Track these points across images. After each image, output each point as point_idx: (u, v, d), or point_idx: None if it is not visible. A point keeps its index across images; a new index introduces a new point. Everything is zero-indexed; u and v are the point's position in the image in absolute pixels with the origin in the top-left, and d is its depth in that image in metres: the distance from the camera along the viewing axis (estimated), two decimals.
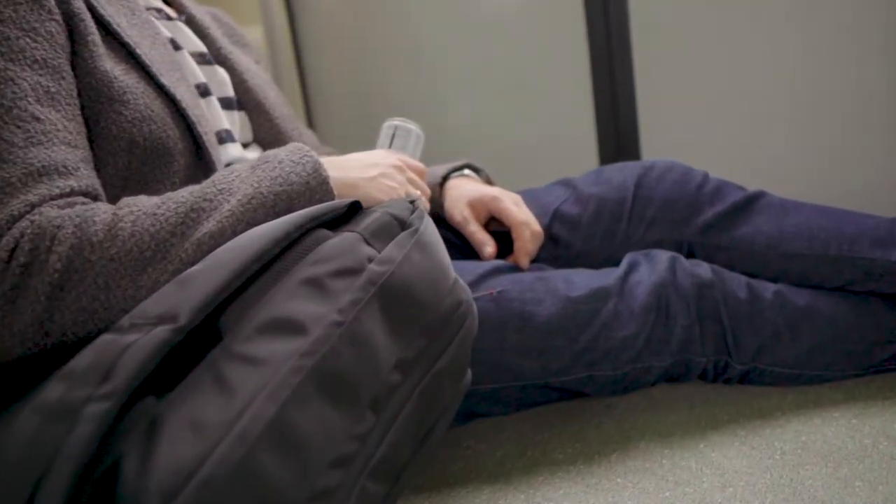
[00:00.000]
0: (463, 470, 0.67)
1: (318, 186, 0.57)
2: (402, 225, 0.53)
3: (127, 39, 0.63)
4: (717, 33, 1.15)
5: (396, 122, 0.77)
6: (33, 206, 0.51)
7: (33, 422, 0.38)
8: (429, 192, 0.71)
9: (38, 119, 0.54)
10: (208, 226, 0.52)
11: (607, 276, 0.71)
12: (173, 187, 0.62)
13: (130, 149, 0.60)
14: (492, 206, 0.79)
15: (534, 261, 0.79)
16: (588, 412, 0.73)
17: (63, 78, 0.57)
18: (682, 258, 0.74)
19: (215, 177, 0.56)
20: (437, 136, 1.37)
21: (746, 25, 1.12)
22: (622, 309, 0.69)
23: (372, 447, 0.46)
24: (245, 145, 0.80)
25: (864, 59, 1.05)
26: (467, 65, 1.37)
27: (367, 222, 0.51)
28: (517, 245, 0.76)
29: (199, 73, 0.73)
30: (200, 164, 0.66)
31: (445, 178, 0.85)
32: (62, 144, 0.55)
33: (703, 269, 0.73)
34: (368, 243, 0.50)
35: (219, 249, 0.48)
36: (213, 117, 0.72)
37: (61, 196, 0.53)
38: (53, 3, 0.58)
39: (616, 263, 0.76)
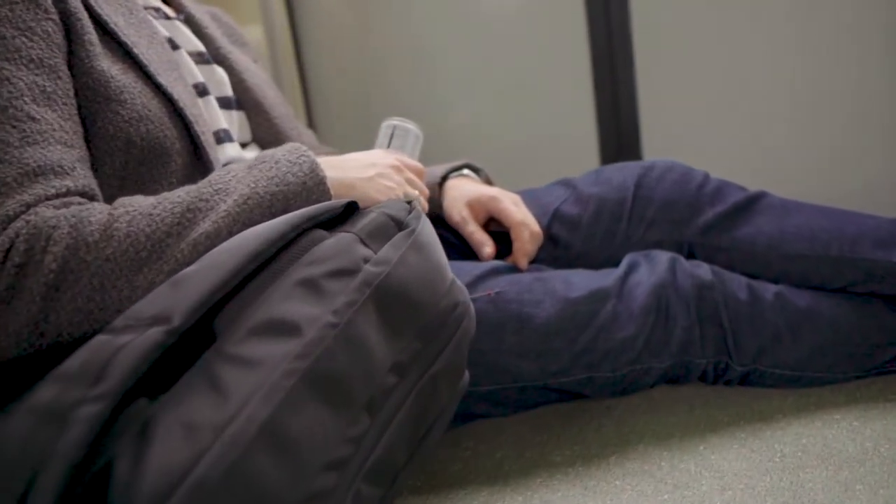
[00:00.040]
0: (461, 471, 0.66)
1: (314, 186, 0.57)
2: (399, 225, 0.53)
3: (124, 38, 0.63)
4: (719, 33, 1.14)
5: (395, 121, 0.76)
6: (29, 206, 0.51)
7: (26, 423, 0.38)
8: (427, 192, 0.70)
9: (33, 119, 0.54)
10: (204, 226, 0.52)
11: (606, 277, 0.71)
12: (171, 187, 0.62)
13: (127, 148, 0.60)
14: (491, 207, 0.78)
15: (533, 261, 0.79)
16: (587, 414, 0.73)
17: (59, 77, 0.57)
18: (681, 259, 0.73)
19: (212, 177, 0.56)
20: (438, 136, 1.37)
21: (747, 25, 1.12)
22: (621, 310, 0.69)
23: (367, 449, 0.45)
24: (243, 145, 0.80)
25: (865, 58, 1.05)
26: (468, 64, 1.37)
27: (363, 223, 0.51)
28: (516, 246, 0.76)
29: (197, 73, 0.73)
30: (198, 163, 0.66)
31: (444, 178, 0.85)
32: (58, 144, 0.55)
33: (704, 270, 0.72)
34: (364, 244, 0.49)
35: (214, 250, 0.48)
36: (211, 117, 0.72)
37: (57, 196, 0.52)
38: (50, 2, 0.58)
39: (616, 264, 0.76)
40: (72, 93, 0.58)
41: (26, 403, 0.40)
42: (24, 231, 0.48)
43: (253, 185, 0.55)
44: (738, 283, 0.72)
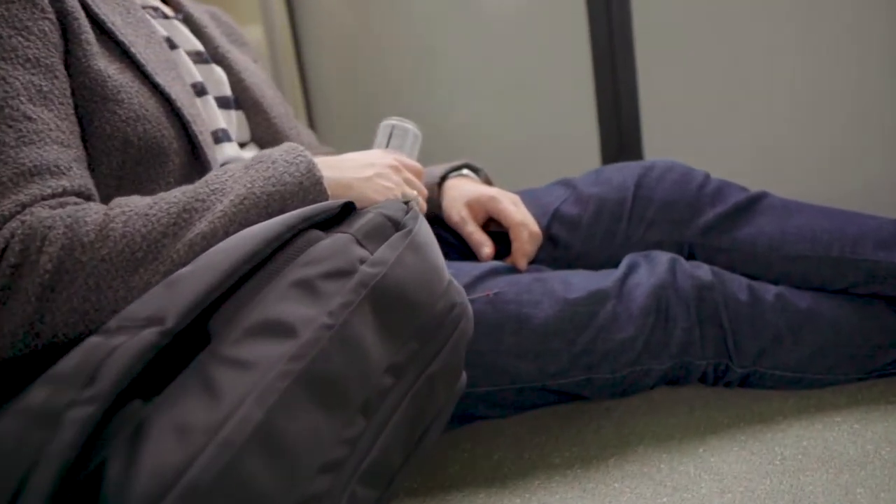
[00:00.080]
0: (459, 473, 0.66)
1: (311, 187, 0.56)
2: (396, 226, 0.52)
3: (121, 38, 0.63)
4: (720, 32, 1.14)
5: (393, 121, 0.76)
6: (24, 206, 0.50)
7: (19, 423, 0.38)
8: (426, 192, 0.70)
9: (30, 118, 0.54)
10: (200, 226, 0.51)
11: (606, 278, 0.71)
12: (168, 187, 0.62)
13: (124, 148, 0.60)
14: (490, 207, 0.78)
15: (532, 262, 0.78)
16: (586, 415, 0.73)
17: (56, 77, 0.57)
18: (681, 260, 0.73)
19: (208, 177, 0.56)
20: (439, 136, 1.37)
21: (748, 25, 1.11)
22: (621, 311, 0.68)
23: (362, 452, 0.45)
24: (242, 145, 0.79)
25: (865, 58, 1.04)
26: (469, 64, 1.37)
27: (360, 223, 0.51)
28: (515, 246, 0.75)
29: (196, 72, 0.72)
30: (196, 163, 0.65)
31: (444, 177, 0.85)
32: (54, 144, 0.55)
33: (704, 270, 0.72)
34: (361, 244, 0.49)
35: (210, 250, 0.47)
36: (210, 116, 0.72)
37: (53, 196, 0.52)
38: (47, 1, 0.58)
39: (616, 265, 0.75)
40: (68, 92, 0.58)
41: (20, 404, 0.39)
42: (19, 231, 0.48)
43: (249, 185, 0.54)
44: (738, 284, 0.72)
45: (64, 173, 0.54)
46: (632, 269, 0.72)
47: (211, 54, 0.79)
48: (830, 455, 0.61)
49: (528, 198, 0.83)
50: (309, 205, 0.54)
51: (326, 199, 0.57)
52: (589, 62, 1.24)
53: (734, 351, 0.70)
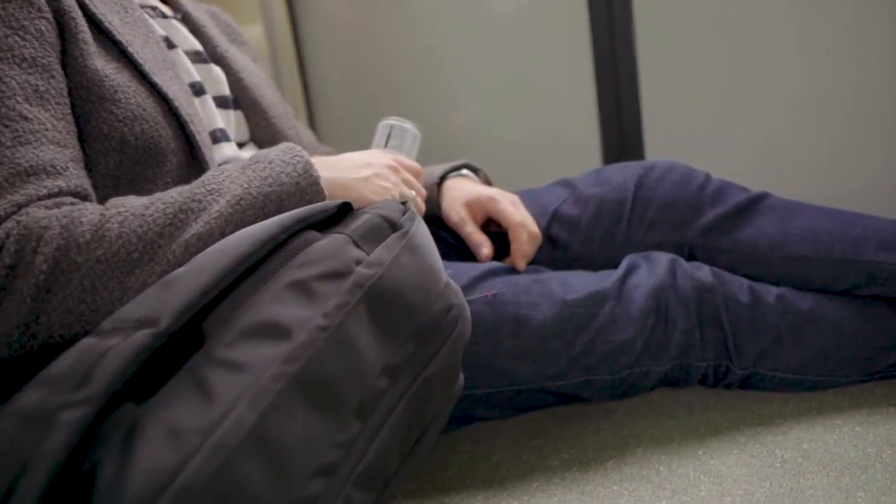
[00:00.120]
0: (457, 475, 0.66)
1: (308, 187, 0.56)
2: (393, 227, 0.52)
3: (119, 37, 0.62)
4: (721, 32, 1.13)
5: (392, 121, 0.76)
6: (20, 206, 0.50)
7: (11, 426, 0.38)
8: (424, 192, 0.70)
9: (26, 118, 0.54)
10: (196, 227, 0.51)
11: (605, 279, 0.70)
12: (166, 187, 0.61)
13: (122, 148, 0.59)
14: (489, 207, 0.78)
15: (532, 262, 0.78)
16: (586, 417, 0.72)
17: (52, 76, 0.57)
18: (681, 261, 0.72)
19: (205, 177, 0.56)
20: (440, 136, 1.36)
21: (750, 25, 1.11)
22: (620, 312, 0.68)
23: (358, 455, 0.45)
24: (241, 144, 0.79)
25: (866, 59, 1.04)
26: (470, 63, 1.36)
27: (356, 224, 0.51)
28: (514, 247, 0.75)
29: (194, 72, 0.72)
30: (193, 163, 0.65)
31: (443, 178, 0.84)
32: (51, 144, 0.55)
33: (704, 272, 0.71)
34: (357, 245, 0.49)
35: (205, 251, 0.47)
36: (208, 116, 0.72)
37: (49, 196, 0.52)
38: (43, 0, 0.58)
39: (616, 266, 0.75)
40: (65, 92, 0.58)
41: (13, 405, 0.39)
42: (14, 232, 0.48)
43: (246, 186, 0.54)
44: (739, 286, 0.71)
45: (60, 173, 0.54)
46: (631, 270, 0.72)
47: (210, 54, 0.79)
48: (831, 458, 0.60)
49: (528, 198, 0.82)
50: (306, 205, 0.54)
51: (324, 200, 0.57)
52: (590, 62, 1.24)
53: (734, 352, 0.69)
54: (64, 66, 0.58)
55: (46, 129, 0.55)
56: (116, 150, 0.59)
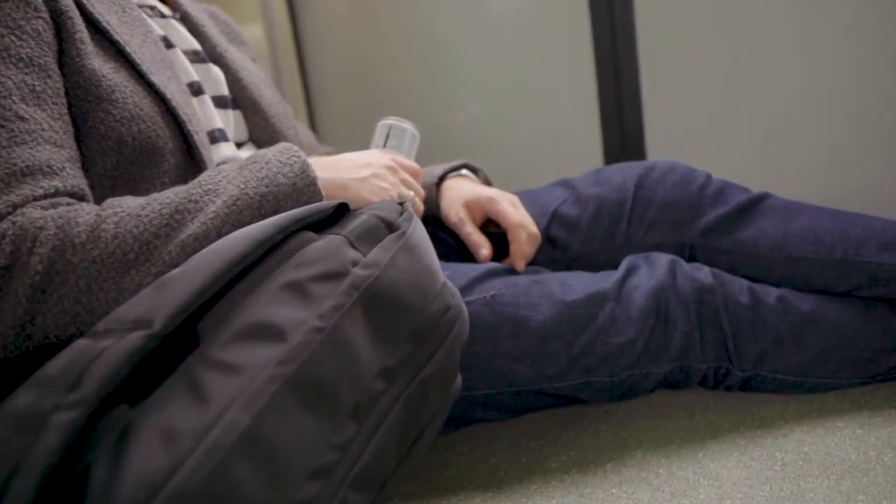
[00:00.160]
0: (455, 477, 0.66)
1: (305, 188, 0.56)
2: (390, 227, 0.52)
3: (116, 37, 0.62)
4: (723, 32, 1.13)
5: (391, 121, 0.75)
6: (16, 206, 0.50)
7: (3, 428, 0.37)
8: (423, 193, 0.69)
9: (22, 118, 0.54)
10: (192, 228, 0.51)
11: (605, 280, 0.70)
12: (163, 187, 0.61)
13: (119, 148, 0.59)
14: (488, 208, 0.77)
15: (531, 263, 0.77)
16: (585, 419, 0.72)
17: (49, 76, 0.57)
18: (681, 262, 0.72)
19: (202, 177, 0.56)
20: (441, 136, 1.36)
21: (751, 24, 1.10)
22: (619, 313, 0.67)
23: (354, 456, 0.44)
24: (239, 144, 0.79)
25: (867, 59, 1.03)
26: (471, 63, 1.36)
27: (353, 225, 0.50)
28: (513, 248, 0.75)
29: (192, 72, 0.72)
30: (191, 163, 0.65)
31: (442, 178, 0.84)
32: (47, 144, 0.54)
33: (704, 273, 0.71)
34: (353, 246, 0.49)
35: (201, 252, 0.47)
36: (206, 116, 0.71)
37: (45, 196, 0.52)
38: (40, 0, 0.57)
39: (616, 266, 0.74)
40: (62, 92, 0.57)
41: (6, 407, 0.39)
42: (10, 232, 0.48)
43: (243, 186, 0.54)
44: (739, 287, 0.71)
45: (56, 174, 0.54)
46: (631, 270, 0.71)
47: (208, 53, 0.79)
48: (832, 461, 0.60)
49: (528, 198, 0.82)
50: (303, 206, 0.53)
51: (321, 200, 0.57)
52: (591, 62, 1.23)
53: (735, 354, 0.69)
54: (61, 66, 0.58)
55: (43, 130, 0.55)
56: (114, 149, 0.59)
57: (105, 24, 0.62)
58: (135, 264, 0.49)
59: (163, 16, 0.75)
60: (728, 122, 1.16)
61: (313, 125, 1.55)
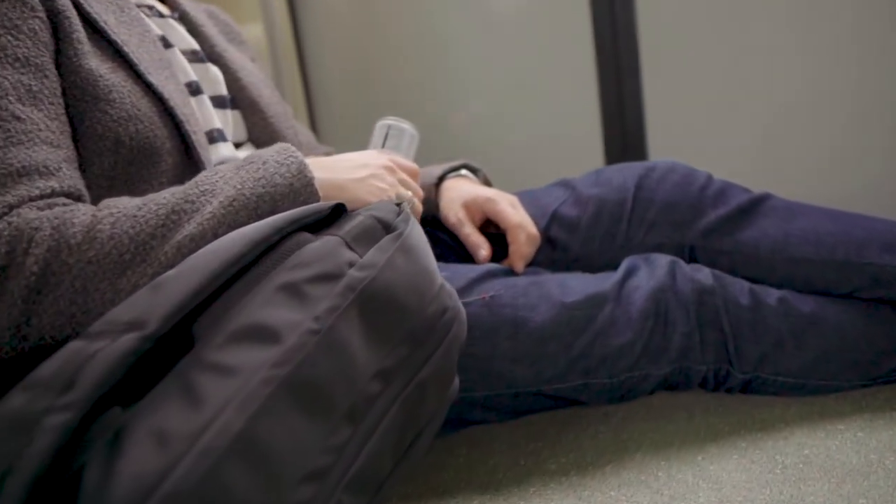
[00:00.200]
0: (454, 478, 0.65)
1: (302, 188, 0.56)
2: (387, 228, 0.52)
3: (114, 37, 0.62)
4: (724, 32, 1.12)
5: (389, 121, 0.75)
6: (11, 207, 0.50)
7: None
8: (421, 193, 0.69)
9: (18, 118, 0.53)
10: (189, 228, 0.51)
11: (604, 281, 0.69)
12: (161, 187, 0.61)
13: (116, 148, 0.59)
14: (487, 208, 0.77)
15: (531, 264, 0.77)
16: (584, 420, 0.71)
17: (46, 76, 0.56)
18: (681, 263, 0.71)
19: (199, 177, 0.55)
20: (442, 135, 1.36)
21: (753, 24, 1.10)
22: (619, 315, 0.67)
23: (349, 459, 0.44)
24: (238, 145, 0.79)
25: (868, 59, 1.03)
26: (472, 63, 1.36)
27: (349, 226, 0.50)
28: (512, 248, 0.74)
29: (190, 72, 0.72)
30: (189, 163, 0.65)
31: (441, 178, 0.84)
32: (44, 144, 0.54)
33: (704, 274, 0.70)
34: (350, 247, 0.48)
35: (196, 253, 0.47)
36: (204, 116, 0.71)
37: (41, 197, 0.52)
38: (37, 0, 0.57)
39: (615, 267, 0.74)
40: (59, 92, 0.57)
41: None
42: (5, 233, 0.48)
43: (239, 187, 0.54)
44: (739, 288, 0.70)
45: (53, 174, 0.54)
46: (631, 272, 0.71)
47: (207, 53, 0.79)
48: (833, 464, 0.59)
49: (527, 199, 0.81)
50: (300, 206, 0.53)
51: (318, 201, 0.56)
52: (593, 61, 1.23)
53: (735, 356, 0.68)
54: (58, 66, 0.58)
55: (39, 130, 0.54)
56: (111, 150, 0.59)
57: (102, 24, 0.62)
58: (131, 265, 0.49)
59: (161, 15, 0.75)
60: (730, 122, 1.15)
61: (314, 125, 1.55)
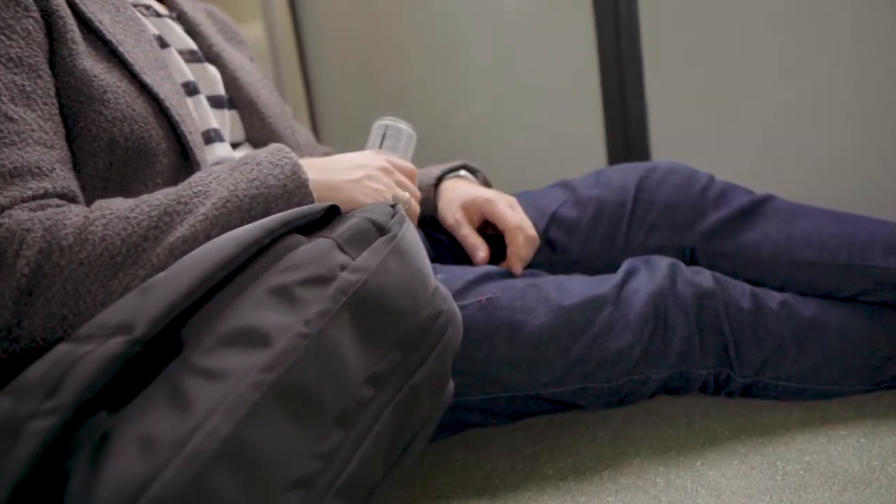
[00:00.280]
0: (450, 483, 0.65)
1: (296, 189, 0.55)
2: (381, 230, 0.51)
3: (109, 37, 0.62)
4: (728, 32, 1.11)
5: (387, 121, 0.74)
6: (3, 208, 0.50)
7: None
8: (418, 194, 0.69)
9: (11, 119, 0.53)
10: (181, 230, 0.50)
11: (603, 284, 0.68)
12: (156, 188, 0.61)
13: (111, 149, 0.59)
14: (485, 209, 0.76)
15: (529, 266, 0.76)
16: (582, 424, 0.71)
17: (39, 76, 0.56)
18: (682, 265, 0.70)
19: (193, 178, 0.55)
20: (443, 136, 1.35)
21: (756, 25, 1.08)
22: (618, 318, 0.66)
23: (340, 465, 0.43)
24: (236, 145, 0.78)
25: (869, 60, 1.01)
26: (474, 63, 1.35)
27: (342, 228, 0.49)
28: (510, 250, 0.74)
29: (187, 71, 0.71)
30: (185, 164, 0.64)
31: (440, 179, 0.83)
32: (37, 145, 0.54)
33: (705, 277, 0.69)
34: (342, 250, 0.48)
35: (187, 255, 0.46)
36: (201, 116, 0.71)
37: (34, 198, 0.51)
38: (31, 0, 0.57)
39: (615, 269, 0.73)
40: (53, 92, 0.57)
41: None
42: None
43: (232, 188, 0.53)
44: (741, 291, 0.69)
45: (46, 175, 0.53)
46: (630, 274, 0.70)
47: (205, 53, 0.78)
48: (834, 471, 0.58)
49: (526, 200, 0.81)
50: (294, 208, 0.53)
51: (312, 202, 0.56)
52: (595, 62, 1.22)
53: (735, 360, 0.68)
54: (52, 66, 0.58)
55: (32, 130, 0.54)
56: (105, 150, 0.59)
57: (97, 24, 0.61)
58: (122, 267, 0.49)
59: (158, 15, 0.75)
60: (733, 123, 1.14)
61: (314, 125, 1.55)
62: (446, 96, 1.39)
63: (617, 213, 0.77)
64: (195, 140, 0.65)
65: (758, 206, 0.75)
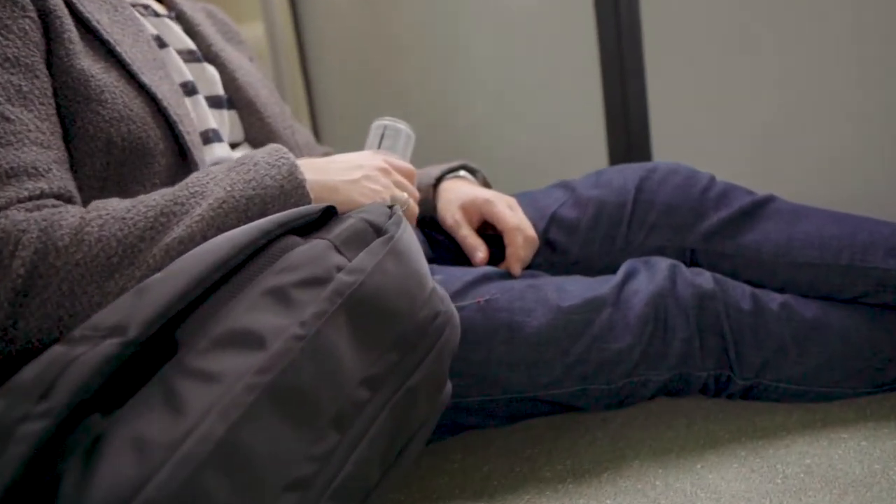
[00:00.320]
0: (447, 485, 0.64)
1: (293, 190, 0.55)
2: (378, 231, 0.51)
3: (106, 37, 0.61)
4: (729, 33, 1.10)
5: (386, 121, 0.74)
6: None
7: None
8: (417, 195, 0.68)
9: (7, 119, 0.53)
10: (177, 231, 0.50)
11: (603, 285, 0.68)
12: (154, 188, 0.60)
13: (108, 149, 0.59)
14: (484, 210, 0.76)
15: (529, 267, 0.76)
16: (582, 426, 0.70)
17: (36, 77, 0.56)
18: (682, 266, 0.70)
19: (189, 179, 0.55)
20: (444, 136, 1.35)
21: (757, 25, 1.08)
22: (617, 320, 0.66)
23: (335, 467, 0.43)
24: (235, 145, 0.78)
25: (870, 60, 1.01)
26: (475, 64, 1.34)
27: (339, 229, 0.49)
28: (509, 251, 0.73)
29: (186, 71, 0.71)
30: (183, 164, 0.64)
31: (439, 179, 0.83)
32: (33, 145, 0.54)
33: (705, 278, 0.69)
34: (339, 251, 0.47)
35: (183, 256, 0.46)
36: (200, 116, 0.70)
37: (30, 199, 0.51)
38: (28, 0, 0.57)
39: (615, 270, 0.72)
40: (50, 92, 0.57)
41: None
42: None
43: (229, 189, 0.53)
44: (741, 293, 0.69)
45: (42, 175, 0.53)
46: (630, 275, 0.70)
47: (204, 53, 0.78)
48: (835, 474, 0.58)
49: (526, 201, 0.80)
50: (291, 209, 0.52)
51: (309, 203, 0.56)
52: (597, 63, 1.21)
53: (736, 362, 0.67)
54: (49, 66, 0.58)
55: (29, 131, 0.54)
56: (103, 151, 0.58)
57: (95, 24, 0.61)
58: (118, 268, 0.48)
59: (157, 15, 0.75)
60: (735, 124, 1.14)
61: (315, 125, 1.55)
62: (447, 96, 1.39)
63: (617, 213, 0.76)
64: (193, 140, 0.65)
65: (759, 207, 0.75)
